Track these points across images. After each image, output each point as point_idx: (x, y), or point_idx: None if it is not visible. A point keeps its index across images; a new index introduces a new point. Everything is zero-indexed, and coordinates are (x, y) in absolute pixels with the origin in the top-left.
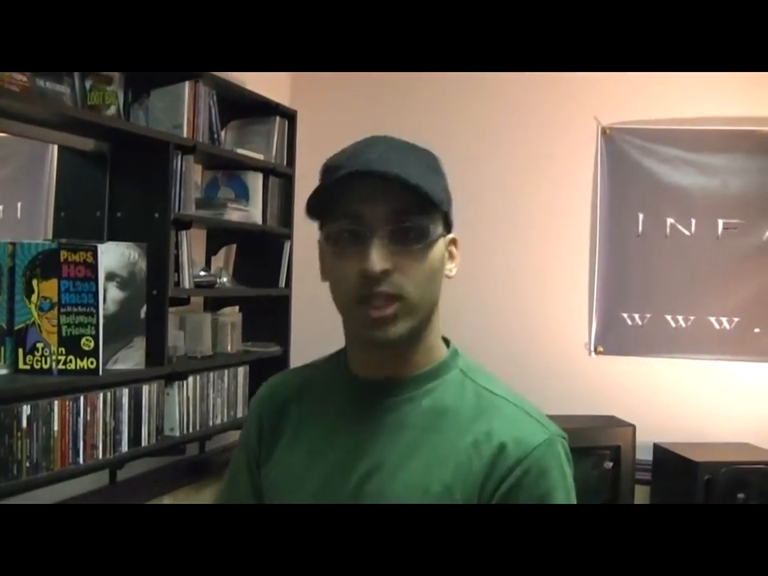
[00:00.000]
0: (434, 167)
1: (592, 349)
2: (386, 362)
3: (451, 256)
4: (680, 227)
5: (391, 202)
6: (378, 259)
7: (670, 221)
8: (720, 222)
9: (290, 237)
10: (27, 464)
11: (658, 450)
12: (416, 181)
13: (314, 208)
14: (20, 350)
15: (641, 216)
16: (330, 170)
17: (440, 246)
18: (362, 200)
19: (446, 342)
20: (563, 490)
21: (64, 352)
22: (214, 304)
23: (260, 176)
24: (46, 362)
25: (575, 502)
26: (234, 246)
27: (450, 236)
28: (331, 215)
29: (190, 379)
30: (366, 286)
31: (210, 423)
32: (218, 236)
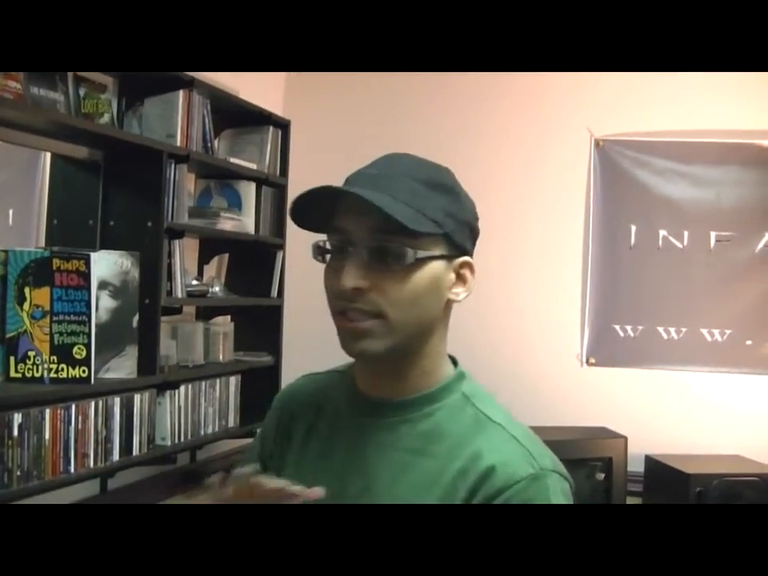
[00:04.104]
0: (437, 185)
1: (584, 360)
2: (383, 381)
3: (461, 279)
4: (672, 239)
5: (374, 220)
6: (350, 277)
7: (662, 233)
8: (713, 235)
9: (282, 247)
10: (18, 473)
11: (650, 461)
12: (387, 203)
13: (303, 220)
14: (11, 359)
15: (633, 228)
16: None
17: (431, 269)
18: (346, 215)
19: (454, 363)
20: None
21: (56, 360)
22: (206, 313)
23: (253, 185)
24: (37, 371)
25: None
26: (227, 256)
27: (461, 259)
28: (327, 228)
29: (182, 388)
30: (343, 300)
31: (202, 432)
32: (211, 245)
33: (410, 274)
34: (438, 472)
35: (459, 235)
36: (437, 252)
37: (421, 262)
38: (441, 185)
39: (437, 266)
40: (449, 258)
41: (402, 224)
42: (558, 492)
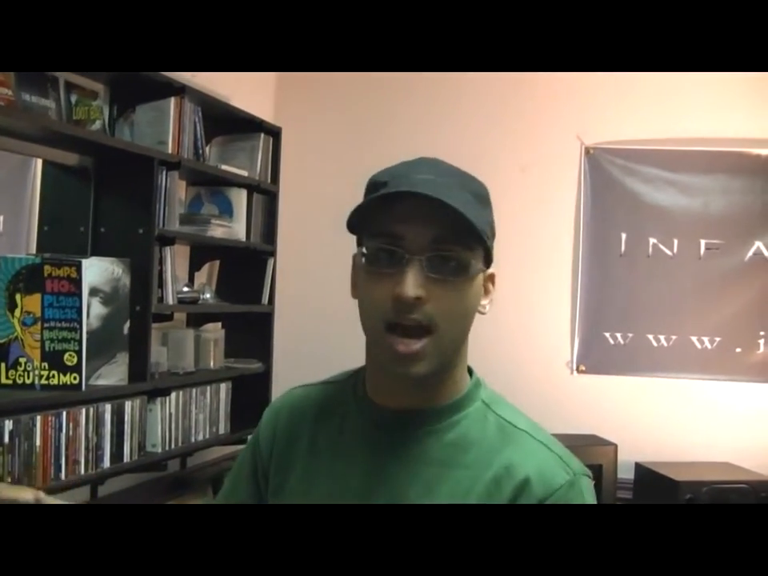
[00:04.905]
0: (482, 198)
1: (574, 367)
2: (410, 393)
3: (486, 292)
4: (662, 247)
5: (434, 228)
6: (412, 284)
7: (652, 241)
8: (702, 242)
9: (273, 253)
10: (9, 480)
11: (640, 469)
12: (462, 209)
13: (356, 223)
14: (2, 365)
15: (623, 236)
16: (374, 186)
17: (478, 281)
18: (403, 221)
19: (469, 370)
20: None
21: (47, 367)
22: (197, 320)
23: (244, 192)
24: (28, 377)
25: None
26: (218, 262)
27: (489, 271)
28: (370, 232)
29: (173, 395)
30: (397, 311)
31: (192, 439)
32: (202, 252)
33: (465, 286)
34: (470, 482)
35: (492, 249)
36: (480, 264)
37: (475, 274)
38: (483, 196)
39: (479, 279)
40: (483, 270)
41: (480, 236)
42: (591, 494)
